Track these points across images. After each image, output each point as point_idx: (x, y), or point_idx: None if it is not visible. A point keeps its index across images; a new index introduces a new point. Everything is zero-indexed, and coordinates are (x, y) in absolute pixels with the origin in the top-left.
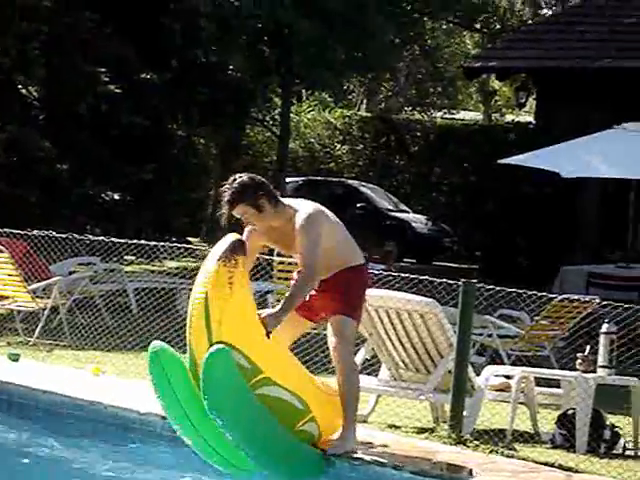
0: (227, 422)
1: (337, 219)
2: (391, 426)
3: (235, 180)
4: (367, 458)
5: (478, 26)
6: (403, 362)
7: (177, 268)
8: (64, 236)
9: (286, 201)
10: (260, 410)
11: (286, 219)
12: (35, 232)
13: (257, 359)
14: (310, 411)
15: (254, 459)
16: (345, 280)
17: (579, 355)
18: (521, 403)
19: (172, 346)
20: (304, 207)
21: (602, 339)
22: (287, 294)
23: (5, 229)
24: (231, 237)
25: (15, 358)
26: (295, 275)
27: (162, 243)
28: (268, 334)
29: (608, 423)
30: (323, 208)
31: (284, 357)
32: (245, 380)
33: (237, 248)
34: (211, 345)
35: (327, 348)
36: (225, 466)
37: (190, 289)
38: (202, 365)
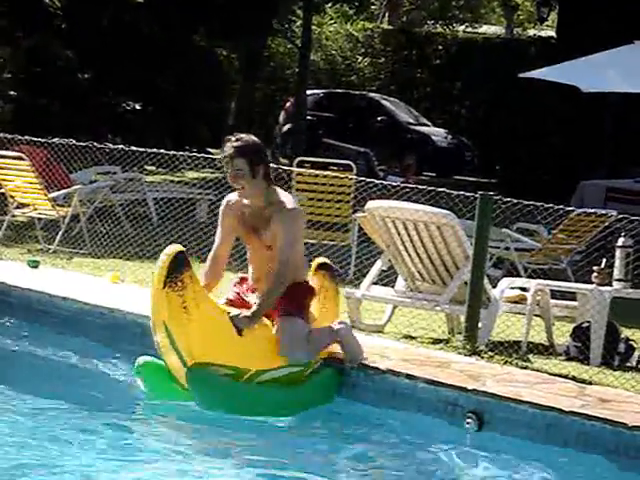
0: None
1: None
2: (406, 336)
3: (249, 136)
4: (382, 367)
5: None
6: (419, 273)
7: (196, 179)
8: (84, 144)
9: (275, 188)
10: (260, 392)
11: (267, 201)
12: (56, 140)
13: (239, 360)
14: (310, 364)
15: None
16: (294, 295)
17: (595, 268)
18: (536, 315)
19: (191, 255)
20: (292, 199)
21: (618, 252)
22: (261, 296)
23: (26, 137)
24: (168, 253)
25: (35, 265)
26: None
27: (182, 153)
28: (239, 332)
29: (623, 336)
30: None
31: (268, 342)
32: (234, 380)
33: (179, 265)
34: (186, 367)
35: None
36: None
37: (210, 199)
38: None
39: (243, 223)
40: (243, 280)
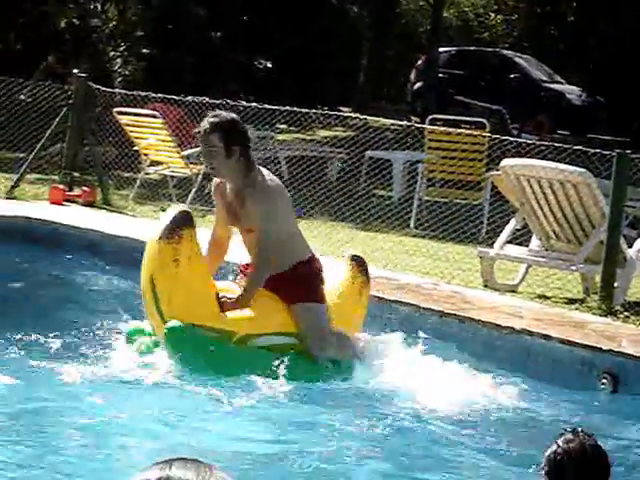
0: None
1: (291, 203)
2: (541, 296)
3: (229, 113)
4: (516, 327)
5: None
6: (554, 232)
7: (328, 137)
8: (218, 102)
9: (259, 169)
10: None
11: (246, 184)
12: (189, 98)
13: (224, 324)
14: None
15: None
16: (299, 277)
17: None
18: None
19: (321, 214)
20: (272, 179)
21: None
22: (246, 282)
23: (160, 95)
24: (173, 210)
25: None
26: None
27: (314, 111)
28: (223, 310)
29: None
30: (283, 187)
31: (256, 307)
32: (219, 342)
33: (180, 222)
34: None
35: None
36: None
37: (341, 158)
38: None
39: (226, 206)
40: (249, 265)
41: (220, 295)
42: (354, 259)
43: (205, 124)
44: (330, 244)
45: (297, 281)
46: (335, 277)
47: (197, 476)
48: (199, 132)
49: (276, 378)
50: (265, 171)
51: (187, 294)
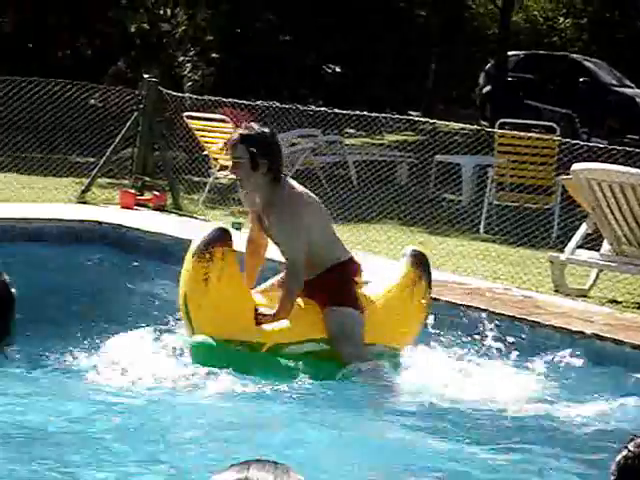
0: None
1: (324, 211)
2: (611, 301)
3: (262, 127)
4: (587, 332)
5: None
6: (625, 237)
7: (396, 141)
8: (287, 107)
9: (288, 184)
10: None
11: (271, 200)
12: (259, 102)
13: (252, 336)
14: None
15: None
16: (334, 281)
17: None
18: None
19: (390, 218)
20: (295, 193)
21: None
22: (280, 298)
23: (229, 99)
24: (210, 228)
25: (238, 227)
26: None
27: (384, 115)
28: (258, 323)
29: None
30: (312, 197)
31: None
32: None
33: (214, 240)
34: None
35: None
36: None
37: (411, 162)
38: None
39: (256, 217)
40: None
41: (258, 310)
42: (412, 254)
43: (235, 135)
44: (400, 249)
45: (326, 286)
46: (389, 276)
47: (275, 478)
48: (227, 143)
49: (308, 380)
50: (294, 184)
51: (217, 311)
